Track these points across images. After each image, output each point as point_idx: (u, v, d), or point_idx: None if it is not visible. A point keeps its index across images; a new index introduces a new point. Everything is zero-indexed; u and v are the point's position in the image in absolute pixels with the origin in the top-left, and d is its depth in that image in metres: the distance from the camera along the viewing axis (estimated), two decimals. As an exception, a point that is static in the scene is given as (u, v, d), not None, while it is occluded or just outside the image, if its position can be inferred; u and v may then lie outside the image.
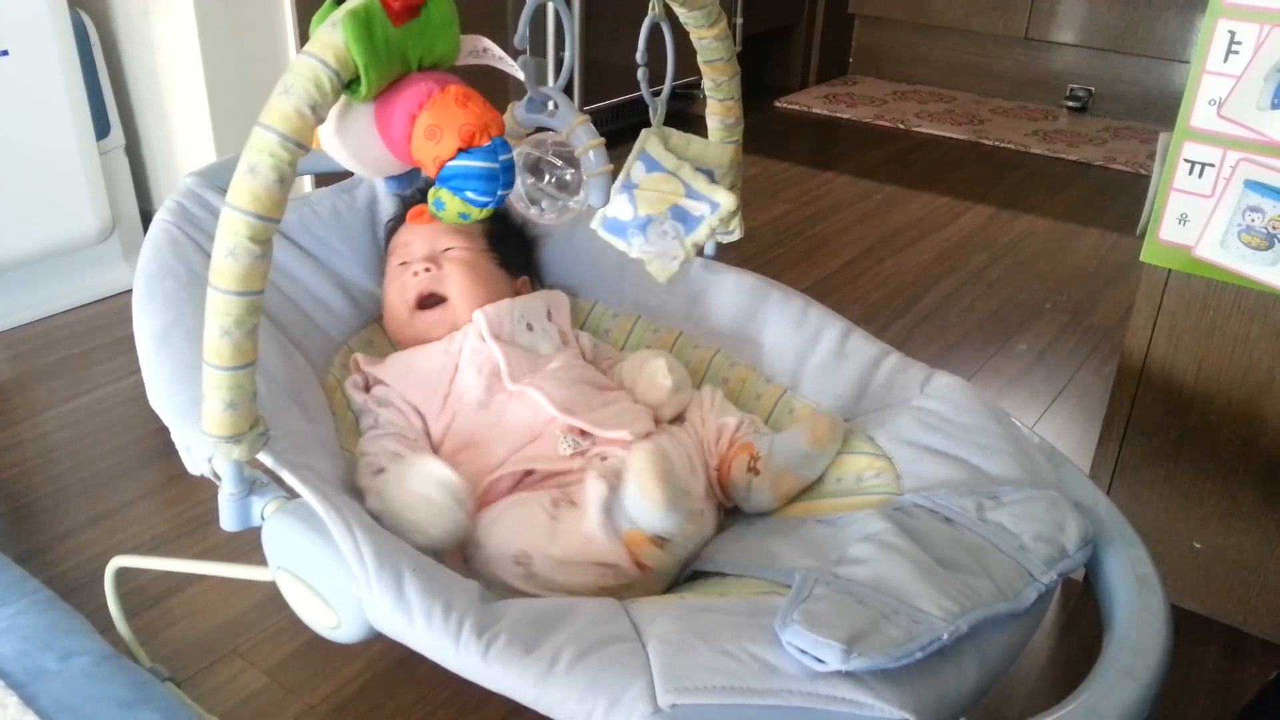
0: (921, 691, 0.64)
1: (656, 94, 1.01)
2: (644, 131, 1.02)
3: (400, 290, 1.08)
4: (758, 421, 1.01)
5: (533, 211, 0.88)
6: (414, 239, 1.10)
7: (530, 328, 1.05)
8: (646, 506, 0.79)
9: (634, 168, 1.02)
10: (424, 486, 0.83)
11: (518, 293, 1.12)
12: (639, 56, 0.94)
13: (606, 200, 0.85)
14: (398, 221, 1.14)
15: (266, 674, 1.10)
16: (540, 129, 0.88)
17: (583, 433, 0.94)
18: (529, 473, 0.92)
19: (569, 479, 0.90)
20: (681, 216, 1.02)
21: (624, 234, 1.03)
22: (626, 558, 0.82)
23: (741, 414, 1.01)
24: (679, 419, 1.02)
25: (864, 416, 0.99)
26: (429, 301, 1.07)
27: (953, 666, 0.67)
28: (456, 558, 0.86)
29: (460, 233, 1.10)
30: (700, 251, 1.03)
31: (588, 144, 0.83)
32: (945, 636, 0.66)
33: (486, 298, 1.06)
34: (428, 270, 1.07)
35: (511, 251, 1.15)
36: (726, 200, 1.00)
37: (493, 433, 0.95)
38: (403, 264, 1.09)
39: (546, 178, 0.86)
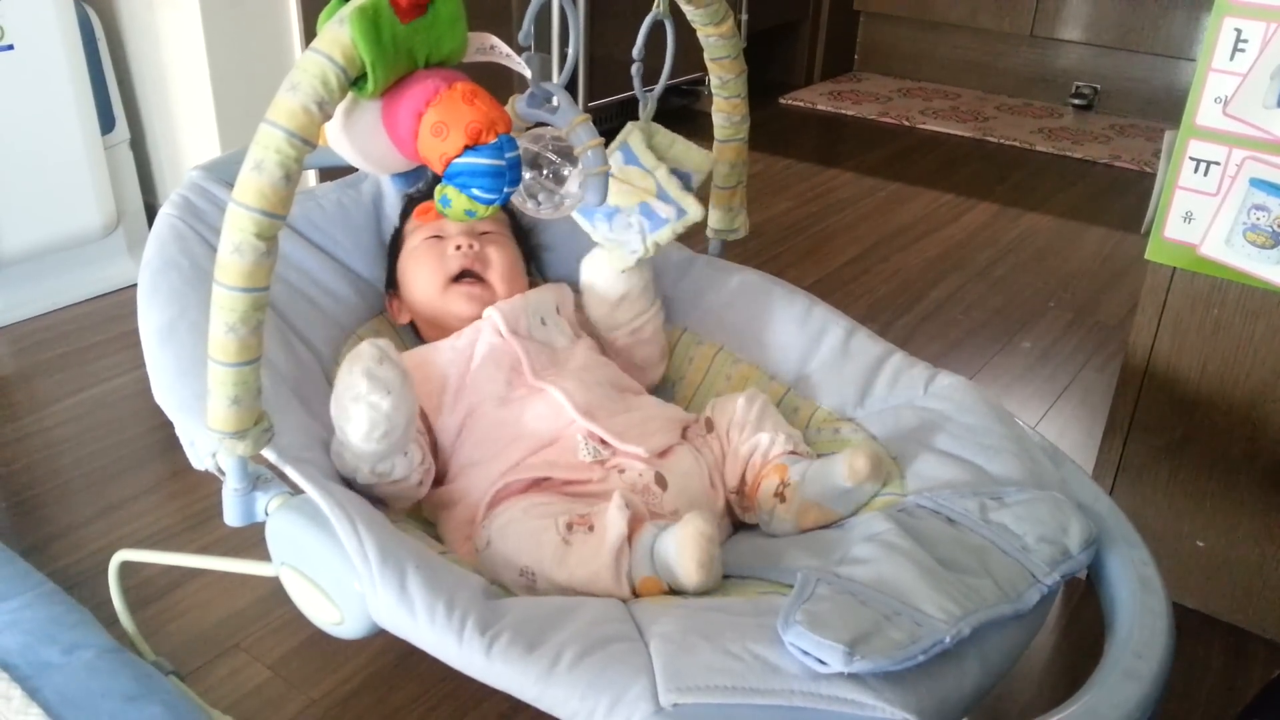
0: (923, 692, 0.64)
1: (651, 90, 1.01)
2: (629, 124, 1.02)
3: (438, 260, 1.06)
4: (796, 437, 0.96)
5: (529, 205, 0.88)
6: None
7: (544, 322, 1.05)
8: (681, 579, 0.78)
9: (613, 158, 1.02)
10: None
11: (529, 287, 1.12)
12: (636, 52, 0.94)
13: (604, 199, 0.86)
14: (423, 196, 1.11)
15: (269, 668, 1.11)
16: (540, 124, 0.88)
17: (603, 441, 0.93)
18: (546, 478, 0.91)
19: (587, 487, 0.90)
20: (648, 214, 1.02)
21: (590, 216, 1.05)
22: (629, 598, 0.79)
23: (778, 430, 0.95)
24: (709, 425, 0.99)
25: (868, 416, 0.99)
26: (469, 277, 1.06)
27: (954, 667, 0.67)
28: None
29: (494, 219, 1.11)
30: (658, 250, 1.03)
31: (587, 143, 0.83)
32: (948, 640, 0.66)
33: (519, 285, 1.08)
34: (471, 247, 1.07)
35: (527, 249, 1.16)
36: (694, 210, 1.01)
37: (511, 431, 0.94)
38: (435, 238, 1.08)
39: (544, 172, 0.86)
